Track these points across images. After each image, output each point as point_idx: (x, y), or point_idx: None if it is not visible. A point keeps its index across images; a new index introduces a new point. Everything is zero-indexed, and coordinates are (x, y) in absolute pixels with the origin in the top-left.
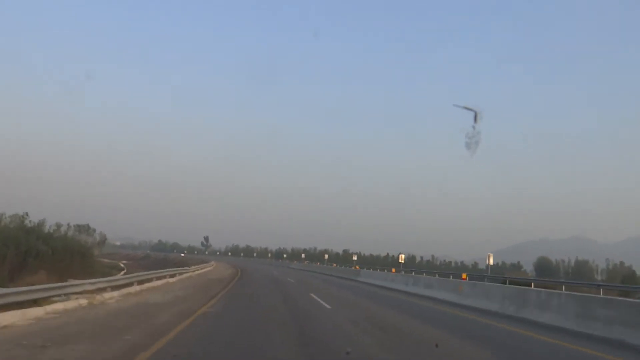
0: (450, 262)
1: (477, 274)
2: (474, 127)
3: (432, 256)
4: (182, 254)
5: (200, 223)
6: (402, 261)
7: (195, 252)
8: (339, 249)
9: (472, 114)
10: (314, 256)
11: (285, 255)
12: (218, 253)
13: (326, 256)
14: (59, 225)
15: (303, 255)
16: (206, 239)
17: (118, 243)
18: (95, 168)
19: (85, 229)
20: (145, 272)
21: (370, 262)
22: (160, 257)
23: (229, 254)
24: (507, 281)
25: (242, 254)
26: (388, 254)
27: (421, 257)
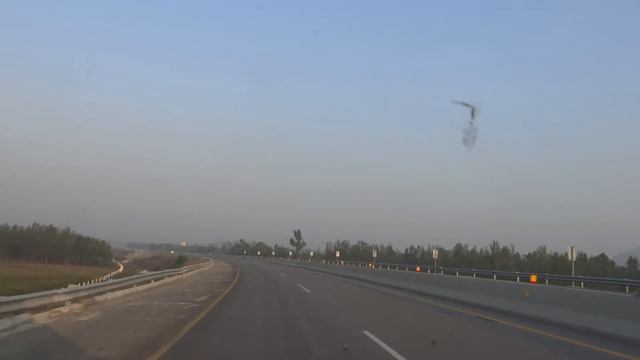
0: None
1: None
2: (471, 123)
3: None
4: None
5: (291, 221)
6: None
7: (273, 254)
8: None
9: (472, 111)
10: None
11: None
12: (311, 253)
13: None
14: None
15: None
16: (297, 234)
17: (184, 244)
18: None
19: None
20: None
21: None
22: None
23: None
24: None
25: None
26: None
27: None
